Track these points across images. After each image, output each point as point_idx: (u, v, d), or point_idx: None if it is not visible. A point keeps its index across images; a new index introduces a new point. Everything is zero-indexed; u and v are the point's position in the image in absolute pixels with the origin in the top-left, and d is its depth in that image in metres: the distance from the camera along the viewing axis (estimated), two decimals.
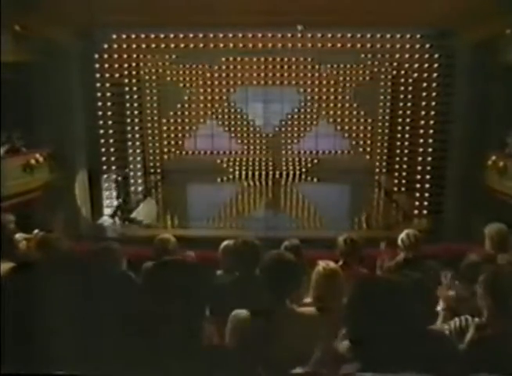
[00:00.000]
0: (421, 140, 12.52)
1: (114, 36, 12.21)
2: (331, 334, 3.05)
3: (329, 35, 12.40)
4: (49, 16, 9.07)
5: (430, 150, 12.30)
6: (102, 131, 12.16)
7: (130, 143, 13.98)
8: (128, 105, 13.93)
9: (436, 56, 11.99)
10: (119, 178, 12.86)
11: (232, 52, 13.53)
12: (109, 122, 12.38)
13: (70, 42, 10.78)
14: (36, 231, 5.93)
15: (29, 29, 9.37)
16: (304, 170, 16.82)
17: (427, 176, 12.39)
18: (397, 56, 13.05)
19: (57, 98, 10.37)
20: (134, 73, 13.96)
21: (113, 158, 12.48)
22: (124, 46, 12.49)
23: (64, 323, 2.09)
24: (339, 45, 12.51)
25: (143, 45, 12.49)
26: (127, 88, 13.83)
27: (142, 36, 12.34)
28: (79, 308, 2.18)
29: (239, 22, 10.53)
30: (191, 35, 12.22)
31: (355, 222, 11.93)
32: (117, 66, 12.77)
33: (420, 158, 12.55)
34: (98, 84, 12.12)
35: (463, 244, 7.05)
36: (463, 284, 3.94)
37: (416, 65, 12.70)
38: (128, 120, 13.95)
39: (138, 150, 14.37)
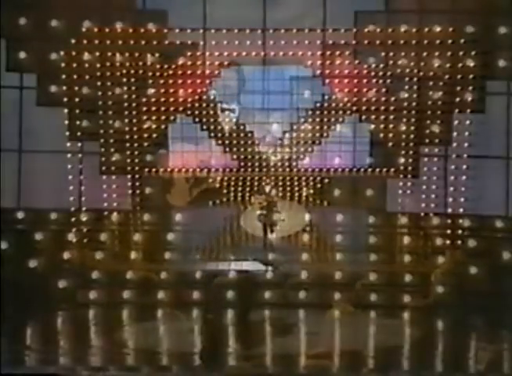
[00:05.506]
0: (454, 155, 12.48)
1: (84, 29, 12.22)
2: None
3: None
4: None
5: (464, 166, 12.28)
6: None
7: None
8: (100, 113, 13.99)
9: (472, 53, 11.99)
10: None
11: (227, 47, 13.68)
12: (78, 133, 12.35)
13: None
14: None
15: None
16: (311, 191, 16.79)
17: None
18: (424, 53, 13.06)
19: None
20: (108, 74, 13.92)
21: None
22: (96, 42, 12.48)
23: None
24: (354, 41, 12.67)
25: (120, 41, 12.54)
26: (100, 93, 13.89)
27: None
28: None
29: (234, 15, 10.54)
30: (177, 30, 12.45)
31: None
32: (87, 65, 12.72)
33: (452, 178, 12.51)
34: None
35: None
36: None
37: (448, 64, 12.69)
38: (102, 131, 13.98)
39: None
